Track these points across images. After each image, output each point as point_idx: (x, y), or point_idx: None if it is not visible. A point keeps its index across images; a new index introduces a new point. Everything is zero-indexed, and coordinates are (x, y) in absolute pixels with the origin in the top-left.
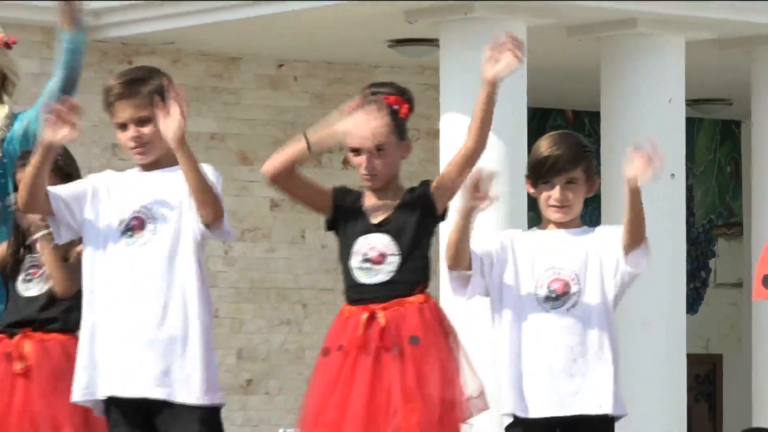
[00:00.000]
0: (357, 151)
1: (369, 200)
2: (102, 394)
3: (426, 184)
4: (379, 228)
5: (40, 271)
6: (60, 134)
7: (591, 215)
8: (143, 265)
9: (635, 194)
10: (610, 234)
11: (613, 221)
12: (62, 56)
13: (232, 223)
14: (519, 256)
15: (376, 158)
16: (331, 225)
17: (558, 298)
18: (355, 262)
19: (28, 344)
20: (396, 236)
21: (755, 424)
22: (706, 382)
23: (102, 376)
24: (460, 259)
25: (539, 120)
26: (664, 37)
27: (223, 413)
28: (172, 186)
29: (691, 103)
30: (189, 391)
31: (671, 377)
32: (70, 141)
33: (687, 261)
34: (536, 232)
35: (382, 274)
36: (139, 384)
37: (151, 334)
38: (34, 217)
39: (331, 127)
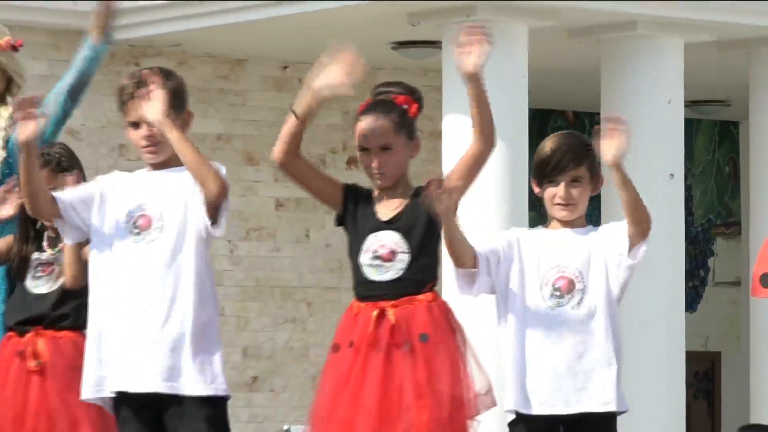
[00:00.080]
0: (366, 151)
1: (379, 198)
2: (110, 390)
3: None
4: (389, 226)
5: (50, 269)
6: (29, 129)
7: (591, 215)
8: (150, 262)
9: (621, 174)
10: (614, 230)
11: (612, 221)
12: (80, 62)
13: (238, 222)
14: (525, 254)
15: (384, 157)
16: (341, 221)
17: (562, 296)
18: (365, 258)
19: (41, 342)
20: (406, 234)
21: (753, 421)
22: (705, 379)
23: (110, 373)
24: (462, 256)
25: (540, 121)
26: (663, 39)
27: (229, 410)
28: (178, 185)
29: (690, 104)
30: (196, 384)
31: (671, 374)
32: (40, 132)
33: (686, 260)
34: (542, 231)
35: (392, 271)
36: (147, 379)
37: (158, 330)
38: None
39: (309, 88)
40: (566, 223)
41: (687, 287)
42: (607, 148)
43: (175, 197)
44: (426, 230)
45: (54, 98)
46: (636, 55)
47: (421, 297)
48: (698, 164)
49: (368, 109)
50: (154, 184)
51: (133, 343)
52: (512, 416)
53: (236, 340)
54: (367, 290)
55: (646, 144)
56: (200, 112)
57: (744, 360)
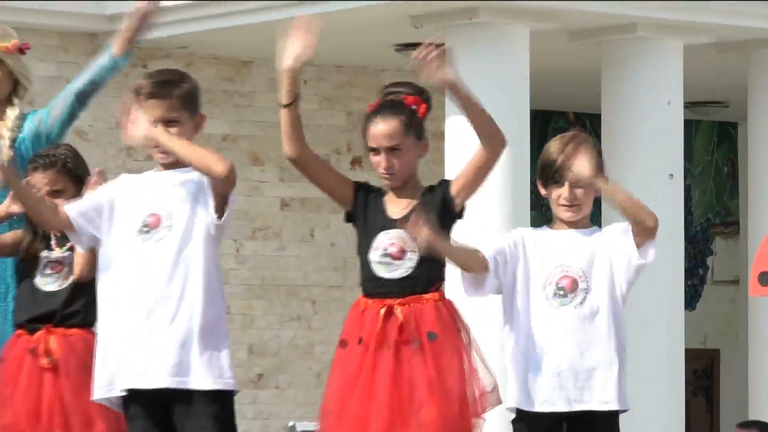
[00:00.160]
0: (375, 151)
1: (389, 197)
2: (120, 388)
3: (445, 183)
4: (399, 224)
5: (59, 267)
6: None
7: (592, 215)
8: (159, 260)
9: (604, 184)
10: (619, 230)
11: (613, 221)
12: (95, 69)
13: (243, 222)
14: (529, 253)
15: (394, 157)
16: (350, 217)
17: (566, 295)
18: (374, 256)
19: (53, 339)
20: None
21: (751, 417)
22: (704, 376)
23: (120, 371)
24: (472, 267)
25: (541, 122)
26: (663, 41)
27: (235, 407)
28: (187, 184)
29: (689, 105)
30: (205, 380)
31: (670, 372)
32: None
33: (685, 259)
34: (546, 231)
35: (402, 269)
36: (156, 375)
37: (167, 327)
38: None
39: (281, 71)
40: (571, 224)
41: (686, 286)
42: (580, 166)
43: (184, 196)
44: (435, 230)
45: (62, 100)
46: (636, 56)
47: (428, 296)
48: (697, 164)
49: (377, 110)
50: (163, 184)
51: (143, 340)
52: (514, 414)
53: (242, 338)
54: (375, 287)
55: (645, 144)
56: (206, 113)
57: (742, 357)
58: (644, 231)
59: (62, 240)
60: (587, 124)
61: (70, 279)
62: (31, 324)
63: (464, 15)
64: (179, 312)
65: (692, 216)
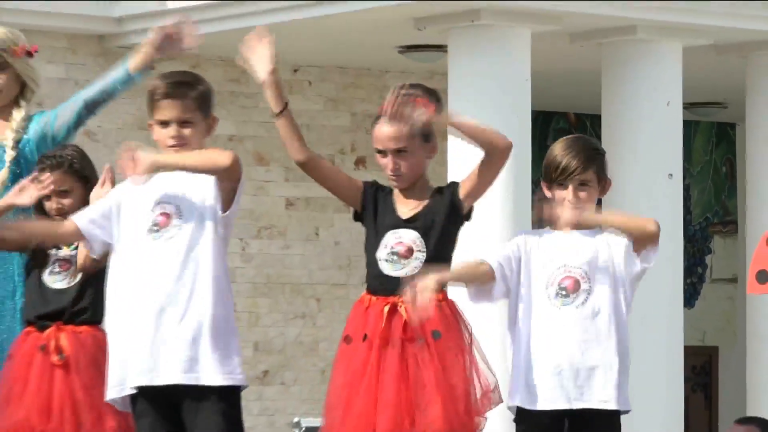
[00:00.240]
0: (382, 152)
1: (399, 196)
2: (131, 385)
3: (453, 186)
4: (408, 224)
5: (68, 265)
6: None
7: None
8: (169, 259)
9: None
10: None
11: None
12: (109, 80)
13: (249, 221)
14: (533, 254)
15: (400, 159)
16: (358, 217)
17: (568, 296)
18: (382, 253)
19: (63, 336)
20: (424, 234)
21: (749, 413)
22: (703, 373)
23: (131, 369)
24: (482, 282)
25: (542, 122)
26: (662, 43)
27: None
28: (195, 183)
29: (688, 106)
30: (215, 375)
31: (669, 368)
32: None
33: (684, 257)
34: (549, 233)
35: (408, 268)
36: (166, 372)
37: (178, 324)
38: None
39: (264, 88)
40: (574, 225)
41: (685, 284)
42: (567, 214)
43: (193, 195)
44: (443, 232)
45: (70, 105)
46: (636, 58)
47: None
48: (696, 164)
49: (382, 112)
50: (172, 184)
51: (153, 338)
52: (515, 413)
53: (248, 335)
54: (380, 284)
55: (645, 145)
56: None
57: (740, 354)
58: (648, 237)
59: None
60: (588, 125)
61: (78, 276)
62: (40, 321)
63: (466, 17)
64: (190, 309)
65: (691, 215)
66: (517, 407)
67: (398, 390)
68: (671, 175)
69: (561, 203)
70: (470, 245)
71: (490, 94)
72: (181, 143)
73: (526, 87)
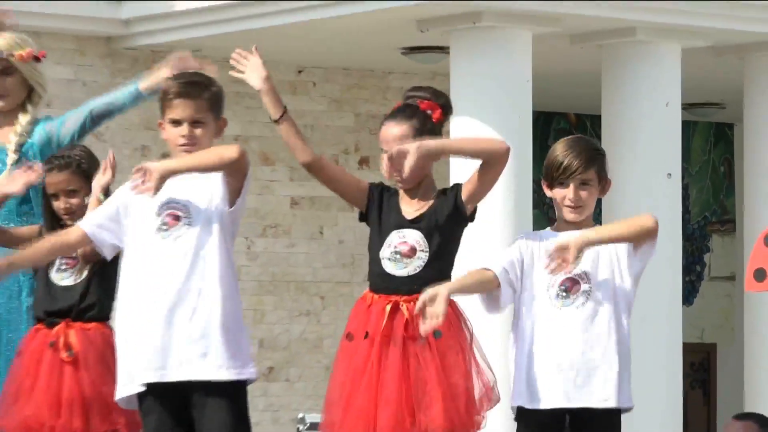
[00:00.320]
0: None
1: (403, 197)
2: (140, 382)
3: (457, 188)
4: (412, 224)
5: (74, 261)
6: None
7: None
8: (177, 257)
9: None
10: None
11: (612, 221)
12: (119, 96)
13: (255, 220)
14: (535, 257)
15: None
16: (363, 217)
17: (568, 296)
18: (386, 252)
19: (72, 333)
20: (428, 234)
21: (747, 409)
22: (701, 369)
23: (140, 367)
24: (488, 290)
25: (543, 123)
26: (661, 44)
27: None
28: (202, 182)
29: (686, 106)
30: (227, 370)
31: (668, 365)
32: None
33: (683, 256)
34: (550, 233)
35: (410, 267)
36: (177, 369)
37: (187, 322)
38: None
39: (261, 95)
40: (575, 225)
41: (684, 282)
42: (562, 245)
43: (200, 195)
44: (446, 232)
45: (76, 115)
46: (635, 59)
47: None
48: (695, 164)
49: (392, 113)
50: (179, 183)
51: (163, 336)
52: (516, 412)
53: (253, 333)
54: (382, 282)
55: (644, 145)
56: None
57: (738, 351)
58: (648, 234)
59: None
60: (588, 125)
61: (85, 273)
62: (49, 318)
63: (468, 19)
64: (199, 307)
65: (690, 214)
66: (518, 406)
67: (399, 388)
68: (670, 174)
69: (561, 203)
70: (472, 245)
71: (491, 94)
72: (192, 143)
73: (527, 88)
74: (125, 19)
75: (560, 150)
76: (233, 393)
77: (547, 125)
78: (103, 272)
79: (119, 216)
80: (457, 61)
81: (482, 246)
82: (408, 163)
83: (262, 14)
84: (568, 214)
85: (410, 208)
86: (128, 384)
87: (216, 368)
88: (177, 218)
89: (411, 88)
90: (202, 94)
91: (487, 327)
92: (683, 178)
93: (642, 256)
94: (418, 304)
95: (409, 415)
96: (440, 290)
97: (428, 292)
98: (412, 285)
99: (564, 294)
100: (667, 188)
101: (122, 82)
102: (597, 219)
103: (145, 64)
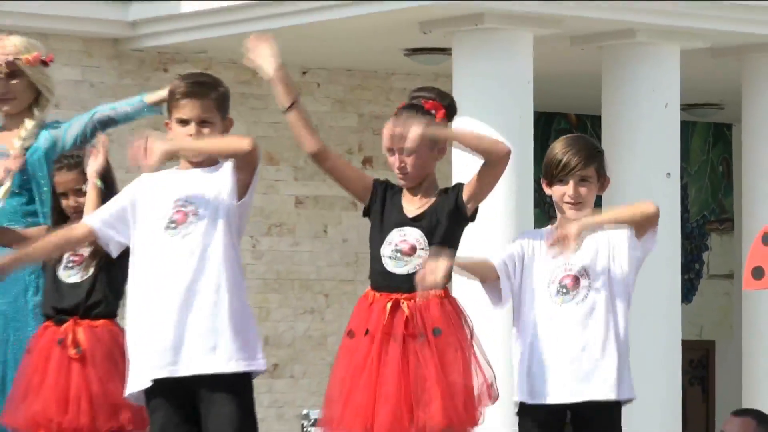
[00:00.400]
0: (391, 151)
1: (406, 195)
2: (150, 378)
3: (458, 187)
4: (413, 223)
5: (81, 258)
6: None
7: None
8: (186, 255)
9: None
10: (623, 235)
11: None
12: (126, 107)
13: (260, 219)
14: (536, 254)
15: (408, 159)
16: (367, 212)
17: (568, 293)
18: (386, 250)
19: (80, 330)
20: (428, 232)
21: (745, 405)
22: (700, 366)
23: (149, 364)
24: (486, 277)
25: (544, 123)
26: (660, 46)
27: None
28: (210, 180)
29: (685, 107)
30: (236, 362)
31: (667, 362)
32: None
33: (682, 254)
34: (550, 230)
35: (411, 265)
36: (188, 364)
37: (196, 318)
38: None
39: (273, 84)
40: (574, 222)
41: (683, 280)
42: (562, 241)
43: (209, 192)
44: (447, 231)
45: (80, 120)
46: (635, 61)
47: (433, 292)
48: (693, 164)
49: (397, 113)
50: (187, 181)
51: (173, 332)
52: (517, 407)
53: (258, 330)
54: (383, 280)
55: (644, 145)
56: None
57: (737, 348)
58: (649, 220)
59: None
60: (588, 126)
61: (91, 270)
62: (58, 315)
63: (470, 21)
64: (208, 303)
65: (689, 213)
66: (520, 402)
67: (399, 385)
68: (669, 174)
69: (561, 200)
70: (473, 244)
71: (493, 95)
72: None
73: (528, 89)
74: (132, 21)
75: (559, 148)
76: (240, 387)
77: (548, 126)
78: (109, 269)
79: (126, 214)
80: (459, 62)
81: (483, 245)
82: (414, 132)
83: (267, 16)
84: (568, 211)
85: (412, 206)
86: (138, 380)
87: (225, 361)
88: (185, 216)
89: (416, 88)
90: (210, 94)
91: (487, 324)
92: (682, 177)
93: (644, 244)
94: (419, 274)
95: (407, 412)
96: (445, 255)
97: (429, 263)
98: (413, 283)
99: (564, 291)
100: (666, 188)
101: (129, 83)
102: None
103: (151, 65)
